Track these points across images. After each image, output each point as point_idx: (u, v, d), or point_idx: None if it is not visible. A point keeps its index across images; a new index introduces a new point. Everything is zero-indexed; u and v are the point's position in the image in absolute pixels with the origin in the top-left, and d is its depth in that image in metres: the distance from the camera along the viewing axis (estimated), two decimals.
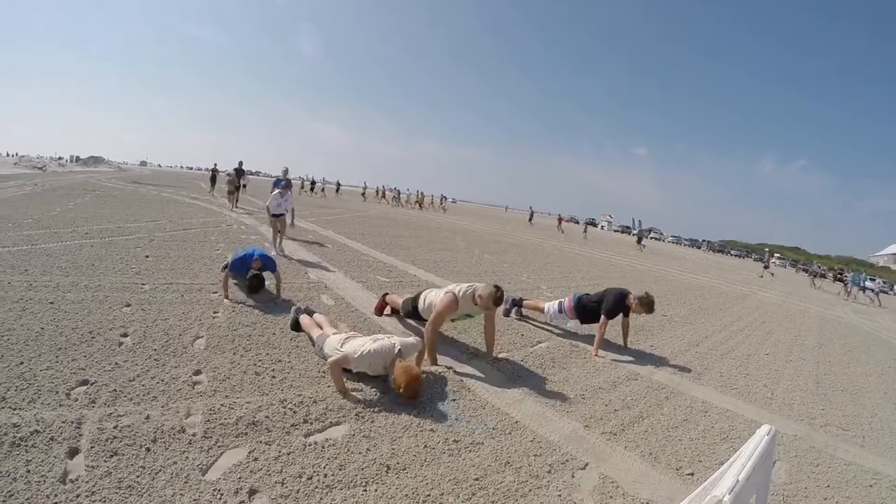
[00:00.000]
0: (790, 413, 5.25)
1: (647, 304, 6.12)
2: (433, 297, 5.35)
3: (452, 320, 5.27)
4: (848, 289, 26.02)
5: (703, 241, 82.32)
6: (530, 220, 46.85)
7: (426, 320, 5.32)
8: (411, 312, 5.72)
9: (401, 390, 3.92)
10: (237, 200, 19.48)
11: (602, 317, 6.15)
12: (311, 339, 4.87)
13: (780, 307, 14.68)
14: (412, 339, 4.55)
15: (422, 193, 48.21)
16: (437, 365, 4.81)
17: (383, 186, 49.39)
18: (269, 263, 6.37)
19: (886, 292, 30.84)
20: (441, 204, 49.05)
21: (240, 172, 20.49)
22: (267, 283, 6.50)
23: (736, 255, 75.13)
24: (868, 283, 26.17)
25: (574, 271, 14.52)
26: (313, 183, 43.07)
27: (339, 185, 49.97)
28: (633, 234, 45.62)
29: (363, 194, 46.94)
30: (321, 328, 4.89)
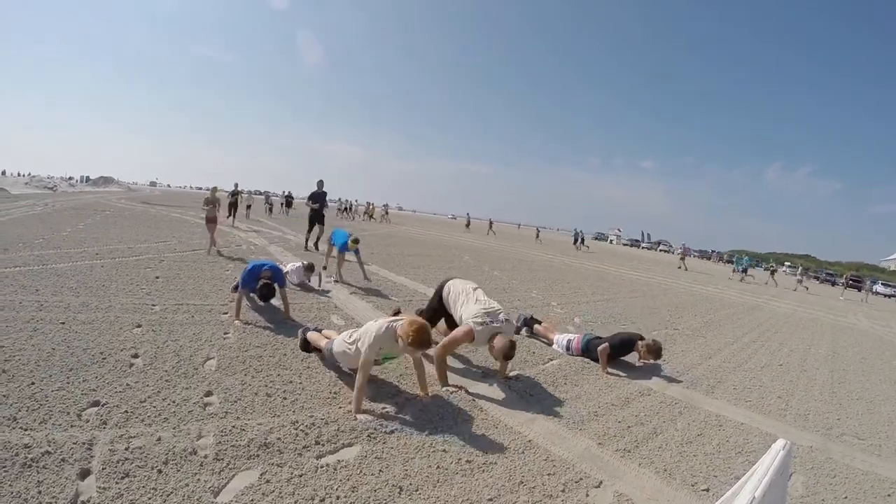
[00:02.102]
0: (805, 424, 5.20)
1: (655, 352, 6.13)
2: (458, 292, 5.31)
3: None
4: (735, 269, 33.74)
5: (713, 251, 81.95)
6: (467, 225, 49.15)
7: (449, 314, 5.33)
8: (435, 307, 5.62)
9: (409, 341, 3.89)
10: (313, 238, 14.69)
11: (605, 343, 6.14)
12: (319, 349, 4.89)
13: (791, 316, 14.58)
14: None
15: (373, 205, 48.57)
16: (448, 386, 4.77)
17: (338, 199, 50.48)
18: (278, 276, 6.37)
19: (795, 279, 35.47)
20: (385, 214, 48.83)
21: (319, 196, 14.59)
22: (276, 302, 6.49)
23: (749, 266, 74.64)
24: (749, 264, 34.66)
25: (584, 286, 14.42)
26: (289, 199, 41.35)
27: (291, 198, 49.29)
28: (571, 236, 47.69)
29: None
30: (329, 339, 4.87)
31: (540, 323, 7.27)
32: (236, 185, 22.95)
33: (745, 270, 32.69)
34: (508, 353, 4.83)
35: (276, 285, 6.25)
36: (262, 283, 6.08)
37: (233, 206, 21.76)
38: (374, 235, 24.09)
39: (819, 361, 8.39)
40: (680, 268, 32.96)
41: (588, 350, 6.44)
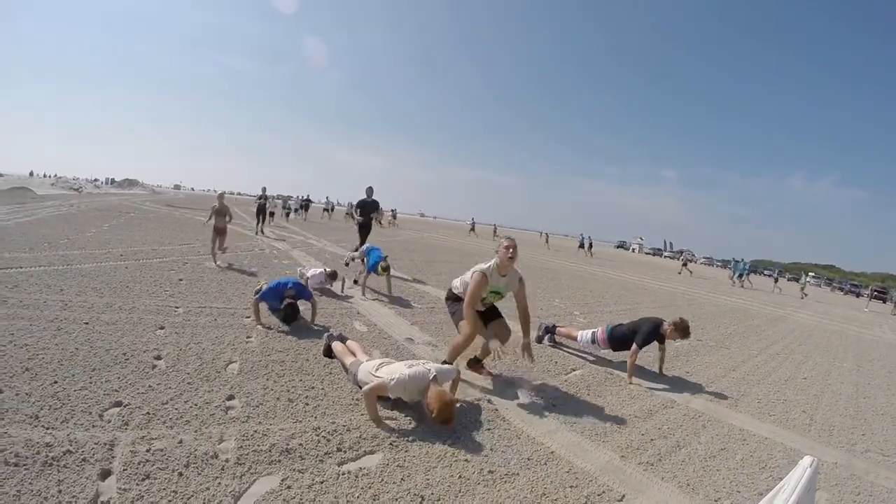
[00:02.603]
0: (829, 439, 5.09)
1: (683, 330, 5.99)
2: (465, 276, 5.35)
3: (483, 300, 5.23)
4: (732, 277, 33.66)
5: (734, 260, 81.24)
6: (472, 229, 49.07)
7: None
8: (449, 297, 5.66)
9: (433, 415, 3.87)
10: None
11: (633, 345, 6.03)
12: (343, 366, 4.85)
13: (816, 328, 14.36)
14: (448, 366, 4.52)
15: (381, 210, 46.16)
16: (484, 336, 4.96)
17: (348, 203, 48.12)
18: (303, 292, 6.38)
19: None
20: (393, 219, 47.19)
21: (369, 206, 12.66)
22: (302, 309, 6.47)
23: (768, 276, 73.60)
24: (746, 269, 34.33)
25: (607, 296, 14.30)
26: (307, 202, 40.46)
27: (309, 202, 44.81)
28: (578, 240, 47.96)
29: (325, 210, 46.51)
30: (354, 355, 4.84)
31: (562, 327, 7.21)
32: (264, 190, 21.10)
33: (740, 276, 33.32)
34: (513, 252, 5.01)
35: (299, 305, 6.24)
36: (286, 304, 6.04)
37: (260, 212, 20.21)
38: (396, 242, 24.10)
39: (843, 375, 8.24)
40: (680, 273, 34.82)
41: (613, 337, 6.41)
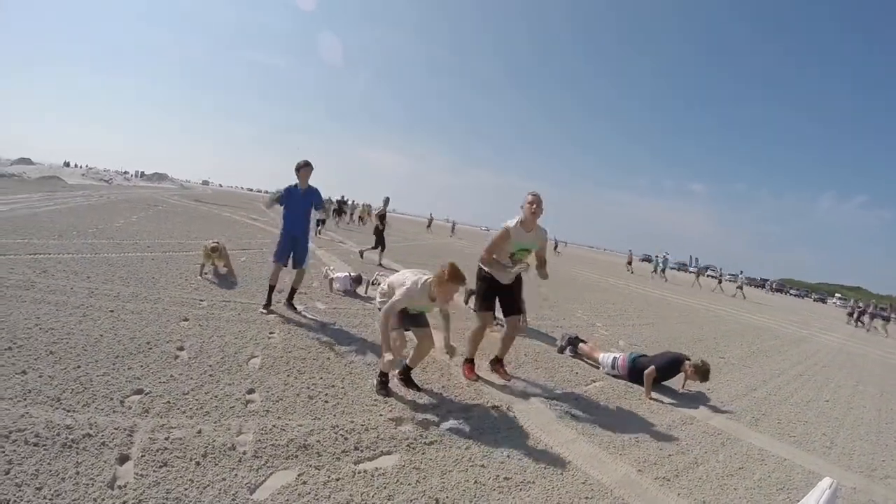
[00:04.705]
0: (849, 464, 4.97)
1: (703, 373, 5.99)
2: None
3: (512, 256, 5.27)
4: (654, 271, 37.56)
5: (761, 279, 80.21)
6: (429, 225, 49.71)
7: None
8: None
9: (447, 277, 4.12)
10: None
11: (651, 366, 6.01)
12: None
13: (840, 351, 14.08)
14: None
15: (367, 206, 40.87)
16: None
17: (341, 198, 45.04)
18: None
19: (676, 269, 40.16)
20: (369, 214, 40.09)
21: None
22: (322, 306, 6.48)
23: (795, 296, 72.57)
24: (670, 264, 38.90)
25: (629, 309, 14.14)
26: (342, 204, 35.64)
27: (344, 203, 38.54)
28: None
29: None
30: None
31: (585, 342, 7.18)
32: (342, 197, 16.22)
33: (663, 271, 37.79)
34: (537, 208, 5.12)
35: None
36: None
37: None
38: (422, 247, 24.12)
39: (866, 399, 8.05)
40: (628, 270, 37.66)
41: (634, 368, 6.33)
